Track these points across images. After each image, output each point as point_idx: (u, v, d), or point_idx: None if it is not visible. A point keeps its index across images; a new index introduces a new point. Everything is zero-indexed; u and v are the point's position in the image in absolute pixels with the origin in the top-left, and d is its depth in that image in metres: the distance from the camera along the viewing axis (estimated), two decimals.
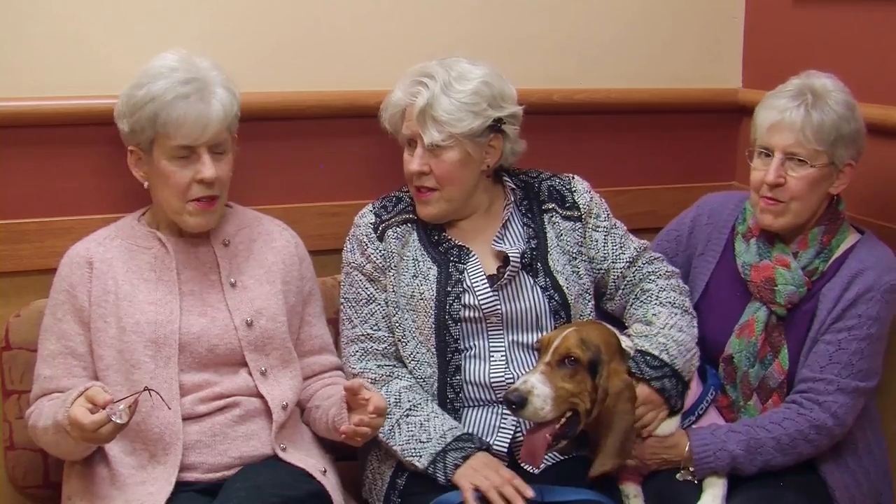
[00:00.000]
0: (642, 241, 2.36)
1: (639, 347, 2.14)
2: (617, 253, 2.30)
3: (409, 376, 2.19)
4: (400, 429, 2.11)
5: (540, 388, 1.96)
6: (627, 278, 2.30)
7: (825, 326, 2.12)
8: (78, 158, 2.28)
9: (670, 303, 2.24)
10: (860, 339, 2.10)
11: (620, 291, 2.30)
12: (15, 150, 2.24)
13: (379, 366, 2.19)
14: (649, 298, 2.26)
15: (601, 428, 2.02)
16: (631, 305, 2.29)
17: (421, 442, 2.08)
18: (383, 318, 2.20)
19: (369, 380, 2.16)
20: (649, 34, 2.75)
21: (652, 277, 2.29)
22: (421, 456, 2.07)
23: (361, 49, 2.47)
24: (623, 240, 2.32)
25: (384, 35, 2.48)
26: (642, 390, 2.08)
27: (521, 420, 2.14)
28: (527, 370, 2.16)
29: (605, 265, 2.29)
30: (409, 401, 2.13)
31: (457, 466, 2.03)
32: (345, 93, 2.44)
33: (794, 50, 2.67)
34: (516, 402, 1.95)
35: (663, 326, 2.18)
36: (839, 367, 2.09)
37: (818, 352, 2.12)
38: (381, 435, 2.12)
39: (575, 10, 2.66)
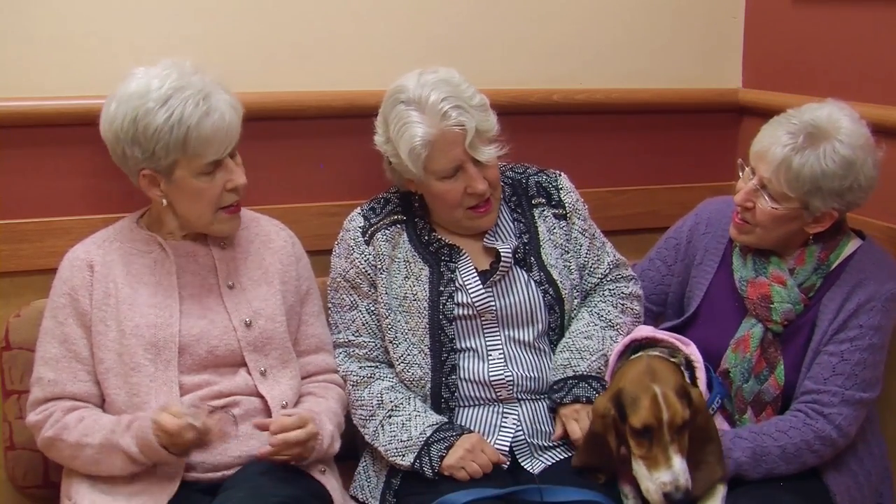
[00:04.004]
0: (619, 257, 2.36)
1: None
2: (594, 265, 2.31)
3: (392, 377, 2.20)
4: (383, 429, 2.13)
5: (688, 472, 1.91)
6: (592, 289, 2.32)
7: (827, 337, 2.11)
8: (78, 158, 2.28)
9: (597, 313, 2.26)
10: (862, 349, 2.09)
11: (578, 300, 2.30)
12: (15, 150, 2.24)
13: (361, 367, 2.21)
14: (586, 304, 2.29)
15: (696, 443, 1.97)
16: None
17: (402, 441, 2.10)
18: (364, 324, 2.21)
19: (352, 382, 2.20)
20: (649, 34, 2.76)
21: (605, 293, 2.31)
22: (404, 455, 2.09)
23: (361, 49, 2.47)
24: (600, 252, 2.33)
25: (384, 35, 2.48)
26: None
27: (522, 419, 2.16)
28: (526, 370, 2.18)
29: (584, 272, 2.30)
30: (391, 401, 2.15)
31: (442, 458, 2.05)
32: (344, 93, 2.44)
33: (794, 50, 2.67)
34: (685, 499, 1.89)
35: (572, 332, 2.22)
36: (843, 379, 2.09)
37: (821, 363, 2.11)
38: (366, 436, 2.16)
39: (575, 10, 2.66)
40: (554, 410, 2.18)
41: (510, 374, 2.17)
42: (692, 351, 2.13)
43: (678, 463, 1.91)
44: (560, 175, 2.35)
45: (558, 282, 2.23)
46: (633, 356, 2.08)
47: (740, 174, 2.19)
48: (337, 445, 2.12)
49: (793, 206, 2.09)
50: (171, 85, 1.97)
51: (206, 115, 1.97)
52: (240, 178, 2.06)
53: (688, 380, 2.03)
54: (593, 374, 2.16)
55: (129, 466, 1.95)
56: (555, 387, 2.17)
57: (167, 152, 1.98)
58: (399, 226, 2.25)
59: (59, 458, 2.05)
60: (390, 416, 2.14)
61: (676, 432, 1.93)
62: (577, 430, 2.10)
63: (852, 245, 2.20)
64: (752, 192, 2.12)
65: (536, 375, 2.19)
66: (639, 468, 1.95)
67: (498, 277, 2.20)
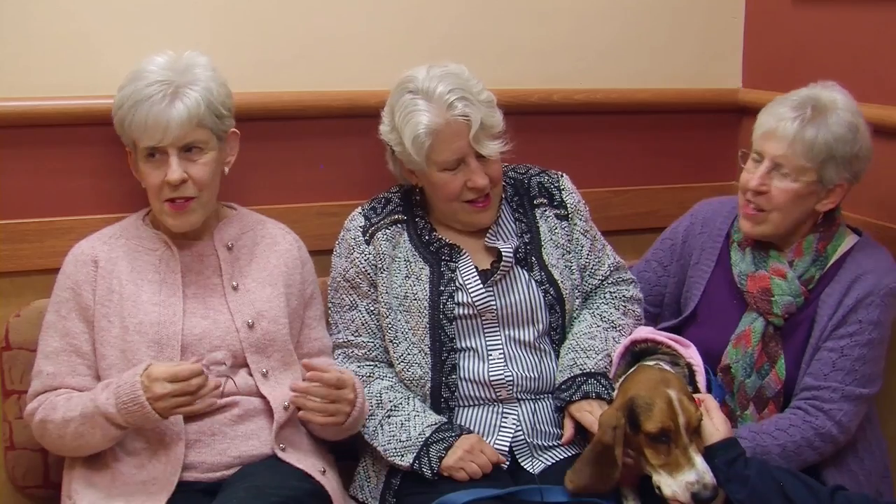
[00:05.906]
0: (618, 259, 2.36)
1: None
2: (595, 266, 2.31)
3: (391, 376, 2.20)
4: (382, 429, 2.13)
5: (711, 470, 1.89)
6: (592, 291, 2.32)
7: (826, 333, 2.12)
8: (78, 158, 2.28)
9: (599, 315, 2.26)
10: (862, 344, 2.10)
11: (579, 301, 2.30)
12: (15, 150, 2.23)
13: (360, 367, 2.21)
14: (587, 306, 2.29)
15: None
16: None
17: (401, 441, 2.10)
18: (363, 324, 2.21)
19: None
20: (649, 34, 2.76)
21: (606, 296, 2.31)
22: (403, 455, 2.09)
23: (361, 49, 2.47)
24: (601, 254, 2.33)
25: (384, 35, 2.48)
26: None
27: (522, 419, 2.16)
28: (527, 369, 2.17)
29: (584, 274, 2.31)
30: (390, 401, 2.15)
31: (441, 458, 2.05)
32: (345, 93, 2.44)
33: (794, 50, 2.68)
34: (713, 496, 1.86)
35: (575, 333, 2.22)
36: (842, 374, 2.09)
37: (821, 359, 2.12)
38: (366, 436, 2.16)
39: (575, 10, 2.66)
40: (561, 411, 2.17)
41: (510, 373, 2.17)
42: (692, 353, 2.13)
43: (700, 462, 1.88)
44: (562, 176, 2.35)
45: (559, 282, 2.23)
46: (637, 365, 2.07)
47: (743, 165, 2.19)
48: (360, 424, 2.12)
49: (810, 178, 2.10)
50: (148, 67, 2.03)
51: (145, 100, 1.99)
52: (172, 174, 2.01)
53: (688, 384, 2.02)
54: (600, 371, 2.16)
55: (109, 430, 1.94)
56: (562, 386, 2.17)
57: (121, 130, 2.05)
58: (400, 225, 2.25)
59: (50, 443, 2.04)
60: (389, 416, 2.14)
61: (693, 434, 1.91)
62: (591, 419, 2.08)
63: (850, 240, 2.21)
64: (766, 175, 2.13)
65: (536, 375, 2.19)
66: (660, 477, 1.90)
67: (499, 277, 2.20)
